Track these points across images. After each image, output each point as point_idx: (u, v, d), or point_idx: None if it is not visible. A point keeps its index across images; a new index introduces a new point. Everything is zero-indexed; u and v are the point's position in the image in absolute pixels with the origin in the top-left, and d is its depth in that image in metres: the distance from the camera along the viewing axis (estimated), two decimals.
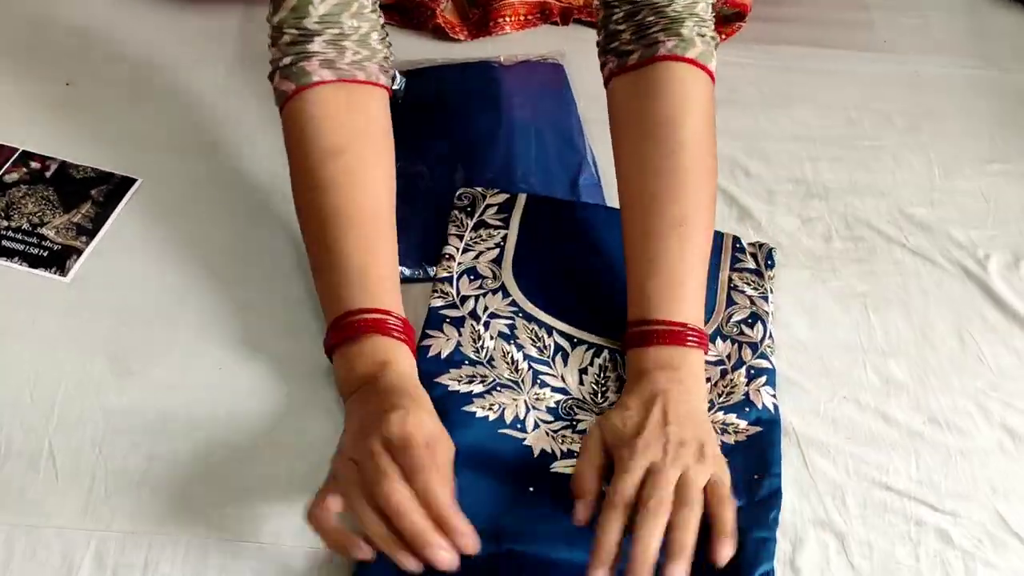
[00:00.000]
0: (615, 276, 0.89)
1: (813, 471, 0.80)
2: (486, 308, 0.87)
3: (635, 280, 0.82)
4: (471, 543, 0.66)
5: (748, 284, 0.91)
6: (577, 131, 1.05)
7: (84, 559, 0.71)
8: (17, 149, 0.98)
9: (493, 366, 0.83)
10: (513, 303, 0.87)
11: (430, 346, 0.84)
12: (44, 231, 0.91)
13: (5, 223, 0.91)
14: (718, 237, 0.95)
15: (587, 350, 0.86)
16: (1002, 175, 1.07)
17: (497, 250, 0.91)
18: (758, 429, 0.81)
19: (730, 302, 0.90)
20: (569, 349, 0.86)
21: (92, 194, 0.95)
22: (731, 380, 0.84)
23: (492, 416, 0.80)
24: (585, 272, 0.91)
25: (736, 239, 0.95)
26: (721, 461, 0.74)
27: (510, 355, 0.84)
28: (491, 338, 0.85)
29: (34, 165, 0.97)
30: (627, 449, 0.72)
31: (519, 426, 0.80)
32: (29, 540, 0.71)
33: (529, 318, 0.86)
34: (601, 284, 0.90)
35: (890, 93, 1.16)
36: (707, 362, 0.83)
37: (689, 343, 0.79)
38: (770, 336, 0.88)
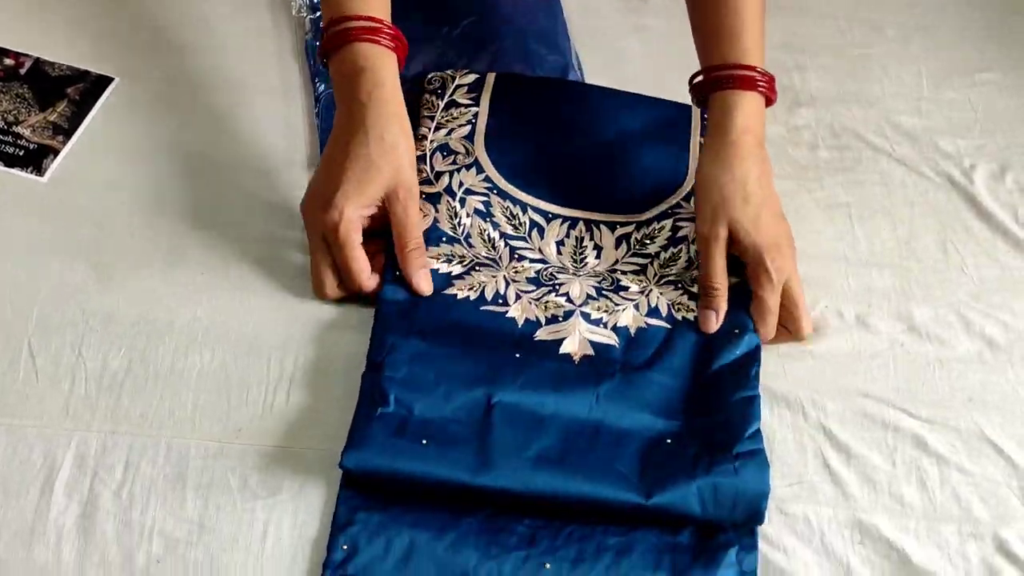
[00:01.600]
0: (585, 149, 0.91)
1: (793, 378, 0.80)
2: (461, 184, 0.86)
3: (726, 26, 0.86)
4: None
5: None
6: (562, 34, 1.03)
7: (66, 457, 0.71)
8: None
9: (471, 244, 0.84)
10: (487, 179, 0.87)
11: None
12: (19, 129, 0.89)
13: None
14: (687, 110, 0.95)
15: (562, 223, 0.86)
16: (991, 84, 1.06)
17: (469, 127, 0.91)
18: (734, 279, 0.83)
19: None
20: (544, 224, 0.86)
21: (68, 92, 0.93)
22: None
23: (473, 296, 0.80)
24: (556, 145, 0.91)
25: (703, 112, 0.94)
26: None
27: (486, 232, 0.84)
28: (467, 215, 0.85)
29: (8, 62, 0.94)
30: (774, 269, 0.81)
31: (500, 301, 0.81)
32: (10, 439, 0.71)
33: (503, 195, 0.87)
34: (572, 157, 0.91)
35: (881, 2, 1.14)
36: (683, 219, 0.87)
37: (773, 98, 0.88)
38: None
